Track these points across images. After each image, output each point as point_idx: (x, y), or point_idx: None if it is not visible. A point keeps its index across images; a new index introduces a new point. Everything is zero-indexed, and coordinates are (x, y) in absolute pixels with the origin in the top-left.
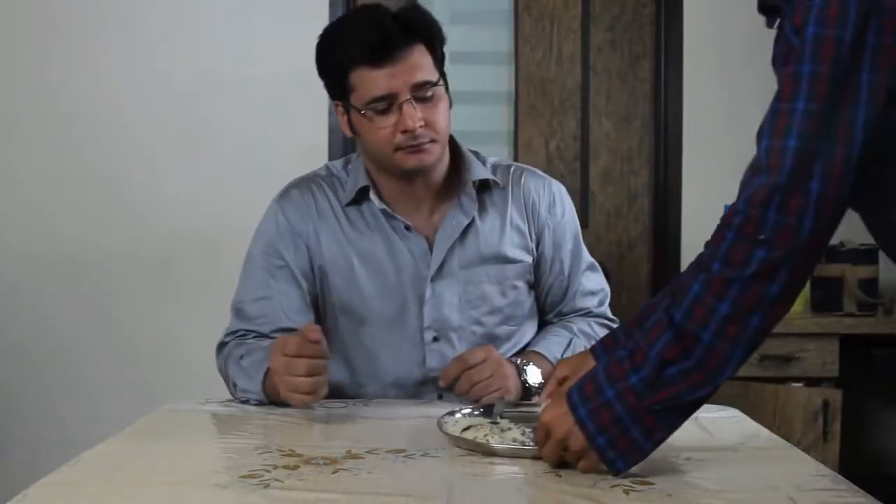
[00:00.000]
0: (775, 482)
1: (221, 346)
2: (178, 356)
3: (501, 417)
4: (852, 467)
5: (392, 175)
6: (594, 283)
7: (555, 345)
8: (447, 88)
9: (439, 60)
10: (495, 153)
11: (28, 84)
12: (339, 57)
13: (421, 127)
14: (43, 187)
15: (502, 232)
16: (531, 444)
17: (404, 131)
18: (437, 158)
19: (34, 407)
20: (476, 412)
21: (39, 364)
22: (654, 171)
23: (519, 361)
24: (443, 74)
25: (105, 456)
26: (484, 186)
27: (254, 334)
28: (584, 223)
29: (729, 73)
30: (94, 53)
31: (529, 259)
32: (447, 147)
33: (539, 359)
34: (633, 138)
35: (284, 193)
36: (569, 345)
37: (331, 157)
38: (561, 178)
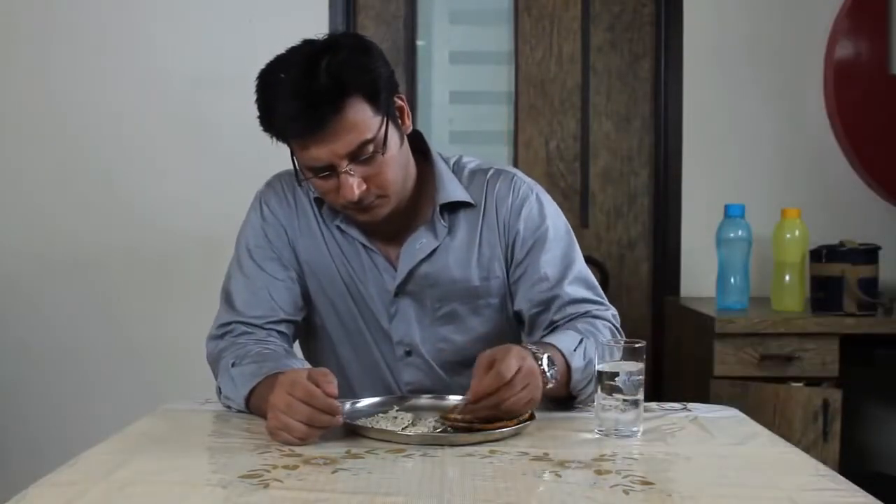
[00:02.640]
0: (775, 482)
1: (213, 338)
2: (177, 356)
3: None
4: (852, 467)
5: None
6: (590, 295)
7: (568, 339)
8: (397, 122)
9: (383, 100)
10: (495, 153)
11: (28, 84)
12: (271, 128)
13: (363, 191)
14: (43, 187)
15: (473, 249)
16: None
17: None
18: (390, 209)
19: (34, 406)
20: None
21: (39, 364)
22: (654, 171)
23: (543, 359)
24: (388, 112)
25: (105, 456)
26: (457, 202)
27: (246, 327)
28: (585, 223)
29: (729, 73)
30: (93, 53)
31: (502, 274)
32: (412, 173)
33: (554, 351)
34: (633, 138)
35: (268, 185)
36: (580, 343)
37: None
38: (561, 178)
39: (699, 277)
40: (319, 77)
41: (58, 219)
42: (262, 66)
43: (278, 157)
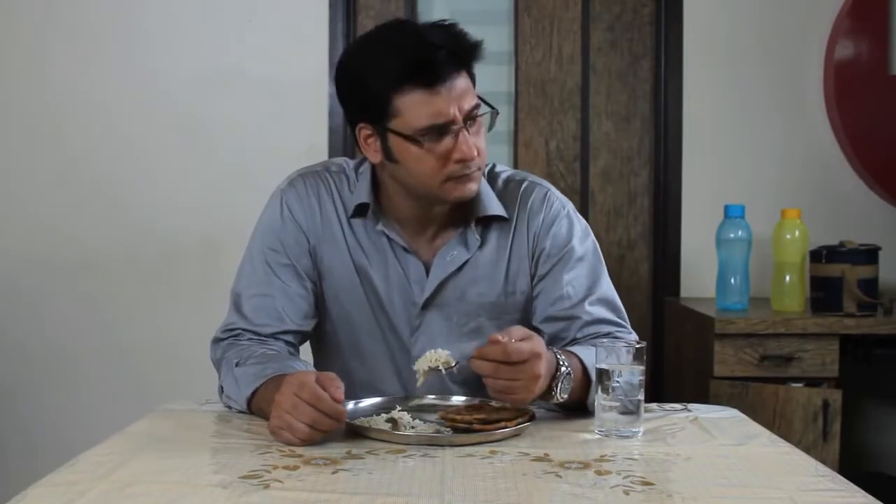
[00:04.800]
0: (776, 482)
1: (218, 341)
2: (177, 356)
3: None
4: (852, 467)
5: (415, 198)
6: (612, 317)
7: (592, 354)
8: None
9: (473, 78)
10: (496, 153)
11: (26, 84)
12: (381, 78)
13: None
14: (41, 187)
15: (502, 264)
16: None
17: (460, 160)
18: (478, 187)
19: (33, 407)
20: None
21: (38, 365)
22: (654, 171)
23: (560, 380)
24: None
25: (104, 456)
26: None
27: (251, 334)
28: None
29: (729, 73)
30: (92, 53)
31: (527, 288)
32: None
33: (576, 362)
34: (633, 138)
35: (291, 184)
36: None
37: (331, 158)
38: (561, 178)
39: (699, 278)
40: (439, 38)
41: (56, 220)
42: (261, 66)
43: (277, 158)
